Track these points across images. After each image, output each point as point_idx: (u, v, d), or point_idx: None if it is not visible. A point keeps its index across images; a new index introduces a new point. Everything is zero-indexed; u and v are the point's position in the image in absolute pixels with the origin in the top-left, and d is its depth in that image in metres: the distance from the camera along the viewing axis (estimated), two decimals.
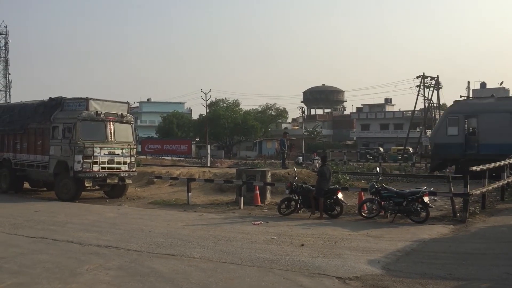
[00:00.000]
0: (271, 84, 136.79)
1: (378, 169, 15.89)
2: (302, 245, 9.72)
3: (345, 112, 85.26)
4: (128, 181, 18.55)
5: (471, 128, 22.54)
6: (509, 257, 8.93)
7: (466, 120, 22.16)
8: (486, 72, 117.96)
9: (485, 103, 22.86)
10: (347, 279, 7.40)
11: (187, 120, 74.74)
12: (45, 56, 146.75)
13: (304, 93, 68.07)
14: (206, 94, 66.84)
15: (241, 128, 66.17)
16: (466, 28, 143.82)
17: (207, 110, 67.83)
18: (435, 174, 24.25)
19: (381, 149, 52.36)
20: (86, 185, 17.44)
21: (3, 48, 77.40)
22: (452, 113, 23.04)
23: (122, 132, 18.26)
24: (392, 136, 68.22)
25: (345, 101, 62.91)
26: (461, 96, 43.33)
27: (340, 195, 13.77)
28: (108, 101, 18.75)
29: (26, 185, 21.06)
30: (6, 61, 77.47)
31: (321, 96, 63.22)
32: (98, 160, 17.37)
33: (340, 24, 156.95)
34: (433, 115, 48.22)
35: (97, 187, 18.64)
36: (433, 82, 48.85)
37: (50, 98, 19.07)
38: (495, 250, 9.42)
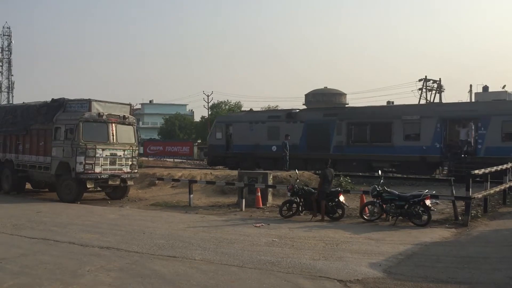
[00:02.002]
0: (273, 86, 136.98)
1: (379, 172, 15.85)
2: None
3: None
4: (129, 182, 18.56)
5: (229, 134, 29.56)
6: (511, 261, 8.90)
7: (226, 128, 29.74)
8: (489, 75, 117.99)
9: (237, 116, 31.42)
10: (349, 282, 7.39)
11: (189, 122, 74.74)
12: (48, 58, 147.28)
13: (306, 95, 67.83)
14: (208, 96, 67.01)
15: None
16: (470, 31, 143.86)
17: (209, 112, 67.87)
18: (436, 177, 24.11)
19: None
20: (88, 186, 17.46)
21: (6, 49, 77.43)
22: (218, 123, 31.29)
23: (124, 134, 18.28)
24: None
25: (347, 104, 62.64)
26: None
27: (341, 198, 13.76)
28: (110, 102, 18.79)
29: (28, 186, 21.10)
30: (9, 62, 77.55)
31: (323, 99, 63.03)
32: (100, 162, 17.39)
33: (342, 27, 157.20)
34: None
35: (99, 189, 18.64)
36: (435, 85, 48.87)
37: (52, 99, 19.12)
38: (497, 254, 9.39)
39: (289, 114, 27.56)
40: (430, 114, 23.45)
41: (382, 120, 24.46)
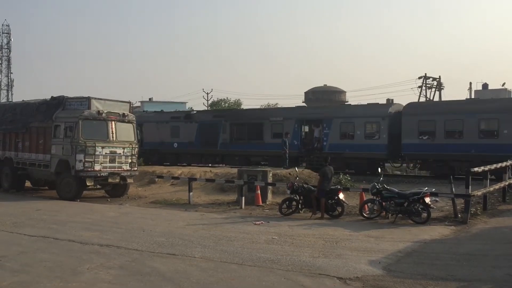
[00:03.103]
0: (273, 84, 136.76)
1: (379, 169, 15.87)
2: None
3: None
4: (129, 180, 18.56)
5: (142, 132, 29.82)
6: (511, 258, 8.91)
7: (140, 127, 28.54)
8: (489, 73, 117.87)
9: (147, 116, 33.04)
10: (348, 280, 7.40)
11: None
12: (47, 55, 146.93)
13: (306, 93, 67.84)
14: (208, 93, 66.95)
15: None
16: (470, 28, 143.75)
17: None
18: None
19: None
20: (88, 184, 17.47)
21: (5, 47, 77.24)
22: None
23: (123, 132, 18.28)
24: None
25: (347, 102, 62.61)
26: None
27: (341, 196, 13.78)
28: (110, 100, 18.78)
29: (28, 184, 21.10)
30: (8, 60, 77.39)
31: (323, 96, 63.04)
32: (100, 159, 17.39)
33: (342, 24, 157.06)
34: None
35: (98, 186, 18.66)
36: (435, 82, 48.85)
37: (52, 97, 19.12)
38: (496, 251, 9.41)
39: (187, 115, 31.50)
40: (290, 116, 27.42)
41: (256, 121, 28.48)
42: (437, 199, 14.28)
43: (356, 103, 31.73)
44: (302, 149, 26.63)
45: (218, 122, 29.15)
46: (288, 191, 14.55)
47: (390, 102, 27.43)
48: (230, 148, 28.47)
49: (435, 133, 22.80)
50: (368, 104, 26.54)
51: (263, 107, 60.93)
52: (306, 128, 27.88)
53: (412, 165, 25.03)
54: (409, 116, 23.59)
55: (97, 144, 17.32)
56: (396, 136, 23.68)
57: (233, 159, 27.67)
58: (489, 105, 23.00)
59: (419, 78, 48.01)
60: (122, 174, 18.03)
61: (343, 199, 13.86)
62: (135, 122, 19.11)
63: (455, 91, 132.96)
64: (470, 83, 54.39)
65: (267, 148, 27.09)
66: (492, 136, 21.72)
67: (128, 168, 18.23)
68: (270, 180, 17.21)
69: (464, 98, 40.29)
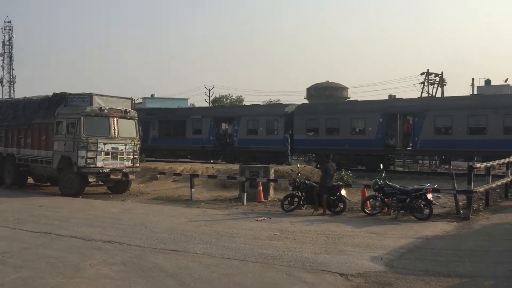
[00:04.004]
0: (275, 80, 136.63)
1: (381, 166, 15.86)
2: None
3: None
4: (131, 176, 18.59)
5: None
6: None
7: None
8: (492, 69, 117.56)
9: None
10: (350, 276, 7.40)
11: None
12: (49, 52, 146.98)
13: (308, 89, 67.71)
14: (209, 90, 66.93)
15: None
16: (473, 24, 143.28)
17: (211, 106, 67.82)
18: (438, 171, 24.24)
19: None
20: (90, 180, 17.50)
21: (7, 43, 77.25)
22: None
23: (125, 128, 18.28)
24: None
25: (349, 98, 62.44)
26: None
27: (343, 192, 13.77)
28: (112, 96, 18.77)
29: (30, 180, 21.14)
30: (10, 57, 77.39)
31: (325, 93, 62.98)
32: (102, 156, 17.41)
33: (344, 20, 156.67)
34: None
35: (100, 183, 18.67)
36: (438, 79, 48.74)
37: (54, 93, 19.12)
38: (498, 248, 9.40)
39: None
40: (208, 114, 31.07)
41: (180, 119, 31.79)
42: (439, 195, 14.30)
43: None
44: (217, 144, 29.94)
45: (149, 120, 31.47)
46: (290, 188, 14.54)
47: (287, 104, 31.46)
48: (159, 144, 31.44)
49: (319, 130, 26.46)
50: (269, 104, 33.66)
51: (265, 103, 60.92)
52: (224, 126, 31.41)
53: (304, 157, 29.05)
54: (299, 116, 27.19)
55: (99, 141, 17.33)
56: (303, 131, 27.17)
57: (162, 153, 30.67)
58: (359, 106, 26.69)
59: (422, 74, 47.95)
60: (124, 170, 18.04)
61: (345, 195, 13.85)
62: (137, 118, 19.09)
63: (458, 87, 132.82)
64: (473, 79, 54.30)
65: (188, 143, 30.37)
66: (362, 133, 25.23)
67: (130, 164, 18.25)
68: (272, 176, 17.20)
69: (467, 94, 40.34)
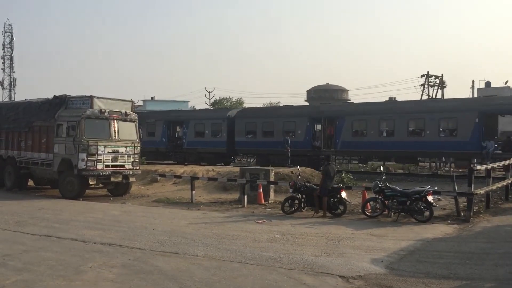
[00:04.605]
0: (275, 83, 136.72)
1: (381, 168, 15.86)
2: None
3: None
4: (132, 179, 18.59)
5: None
6: None
7: None
8: (492, 71, 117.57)
9: None
10: (351, 278, 7.39)
11: None
12: (50, 54, 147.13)
13: (308, 91, 67.80)
14: (210, 92, 66.90)
15: None
16: (473, 26, 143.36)
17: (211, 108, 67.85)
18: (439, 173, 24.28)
19: None
20: (90, 183, 17.50)
21: (8, 46, 77.36)
22: None
23: (126, 130, 18.29)
24: None
25: (349, 100, 62.54)
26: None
27: (343, 194, 13.76)
28: (112, 99, 18.78)
29: (31, 183, 21.15)
30: (11, 59, 77.43)
31: (325, 95, 63.08)
32: (102, 158, 17.41)
33: (344, 23, 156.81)
34: None
35: (101, 185, 18.69)
36: (438, 81, 48.76)
37: (54, 96, 19.12)
38: (499, 250, 9.38)
39: None
40: (160, 118, 33.06)
41: None
42: (439, 197, 14.28)
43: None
44: (169, 146, 32.13)
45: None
46: (290, 190, 14.54)
47: (230, 108, 34.48)
48: None
49: (256, 133, 28.81)
50: (214, 109, 34.90)
51: (265, 105, 60.95)
52: (177, 129, 33.49)
53: (245, 158, 32.59)
54: (239, 119, 29.60)
55: (99, 143, 17.34)
56: (233, 135, 29.58)
57: None
58: (291, 111, 29.68)
59: (422, 76, 47.96)
60: (124, 173, 18.04)
61: (346, 198, 13.84)
62: (137, 121, 19.11)
63: (458, 89, 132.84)
64: (473, 81, 54.33)
65: (144, 145, 33.15)
66: (292, 136, 27.12)
67: (131, 167, 18.25)
68: (272, 178, 17.20)
69: (467, 96, 40.39)
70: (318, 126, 28.32)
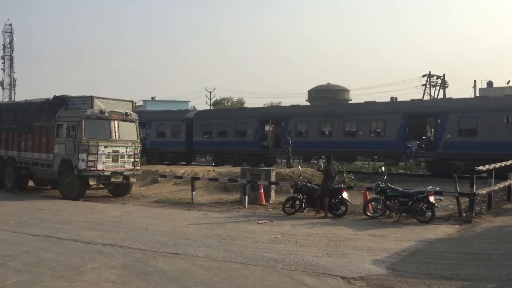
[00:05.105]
0: (276, 83, 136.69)
1: (383, 168, 15.81)
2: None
3: None
4: (132, 179, 18.56)
5: None
6: None
7: None
8: (495, 71, 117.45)
9: None
10: (352, 279, 7.36)
11: None
12: (50, 55, 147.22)
13: (309, 91, 67.83)
14: (210, 92, 66.96)
15: None
16: (475, 25, 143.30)
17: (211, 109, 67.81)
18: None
19: None
20: (91, 183, 17.48)
21: (8, 46, 77.33)
22: None
23: (126, 131, 18.27)
24: None
25: (351, 100, 62.51)
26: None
27: (345, 195, 13.73)
28: (113, 99, 18.76)
29: (31, 183, 21.13)
30: (11, 60, 77.39)
31: (326, 95, 63.11)
32: (103, 159, 17.39)
33: (345, 23, 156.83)
34: None
35: (101, 186, 18.66)
36: (439, 80, 48.72)
37: (54, 96, 19.10)
38: (501, 250, 9.35)
39: None
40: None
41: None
42: (441, 198, 14.24)
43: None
44: None
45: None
46: (292, 190, 14.51)
47: (188, 110, 36.30)
48: None
49: (212, 133, 30.59)
50: (174, 110, 35.56)
51: (266, 105, 60.93)
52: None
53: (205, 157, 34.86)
54: (197, 121, 31.24)
55: (99, 143, 17.31)
56: (191, 135, 31.21)
57: None
58: (241, 112, 32.31)
59: (423, 76, 47.94)
60: (125, 173, 18.01)
61: (347, 198, 13.81)
62: (137, 121, 19.08)
63: (460, 88, 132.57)
64: (475, 81, 54.28)
65: None
66: (243, 136, 29.19)
67: (131, 167, 18.23)
68: (273, 179, 17.17)
69: (470, 96, 40.46)
70: (267, 127, 30.06)
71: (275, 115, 29.85)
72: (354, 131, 25.81)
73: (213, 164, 29.33)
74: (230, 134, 29.86)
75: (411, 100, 27.57)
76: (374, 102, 26.94)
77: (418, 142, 24.18)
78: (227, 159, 29.38)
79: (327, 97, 60.55)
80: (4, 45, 77.40)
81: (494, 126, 21.38)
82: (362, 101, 28.20)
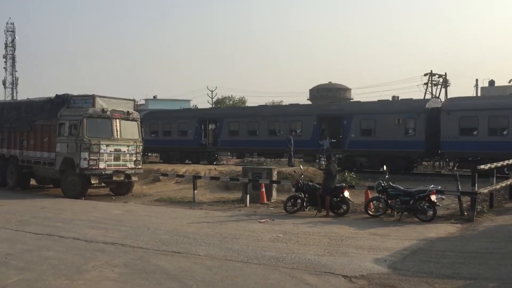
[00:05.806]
0: (277, 82, 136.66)
1: (384, 167, 15.79)
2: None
3: None
4: (134, 178, 18.56)
5: None
6: None
7: None
8: (497, 70, 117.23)
9: None
10: (353, 278, 7.36)
11: None
12: (52, 54, 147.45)
13: (310, 90, 67.79)
14: (212, 91, 67.05)
15: None
16: (477, 24, 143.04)
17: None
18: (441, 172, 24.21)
19: None
20: (92, 182, 17.48)
21: (10, 45, 77.40)
22: None
23: (128, 129, 18.27)
24: None
25: (352, 99, 62.40)
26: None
27: (346, 193, 13.72)
28: (114, 98, 18.76)
29: (33, 182, 21.16)
30: (13, 58, 77.44)
31: (327, 94, 63.10)
32: (104, 157, 17.40)
33: (347, 21, 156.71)
34: None
35: (103, 184, 18.65)
36: (441, 79, 48.63)
37: (56, 95, 19.12)
38: (503, 249, 9.34)
39: None
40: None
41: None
42: (443, 196, 14.20)
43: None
44: None
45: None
46: (293, 189, 14.50)
47: (140, 110, 36.89)
48: None
49: (158, 132, 32.72)
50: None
51: (267, 104, 60.87)
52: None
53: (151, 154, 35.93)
54: (146, 121, 30.89)
55: (101, 142, 17.32)
56: (148, 134, 31.65)
57: None
58: (183, 113, 34.75)
59: (425, 75, 47.85)
60: (126, 172, 18.02)
61: (348, 197, 13.79)
62: (139, 120, 19.08)
63: (462, 87, 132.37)
64: (477, 80, 54.22)
65: None
66: (185, 135, 31.53)
67: (133, 166, 18.23)
68: (275, 178, 17.16)
69: (471, 95, 40.36)
70: (208, 127, 32.33)
71: (212, 115, 32.69)
72: (276, 131, 28.56)
73: (161, 161, 31.24)
74: (174, 133, 32.21)
75: (324, 103, 30.50)
76: (298, 104, 30.21)
77: (330, 140, 26.71)
78: (171, 157, 31.55)
79: (328, 96, 60.54)
80: (6, 44, 77.47)
81: (388, 127, 24.19)
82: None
